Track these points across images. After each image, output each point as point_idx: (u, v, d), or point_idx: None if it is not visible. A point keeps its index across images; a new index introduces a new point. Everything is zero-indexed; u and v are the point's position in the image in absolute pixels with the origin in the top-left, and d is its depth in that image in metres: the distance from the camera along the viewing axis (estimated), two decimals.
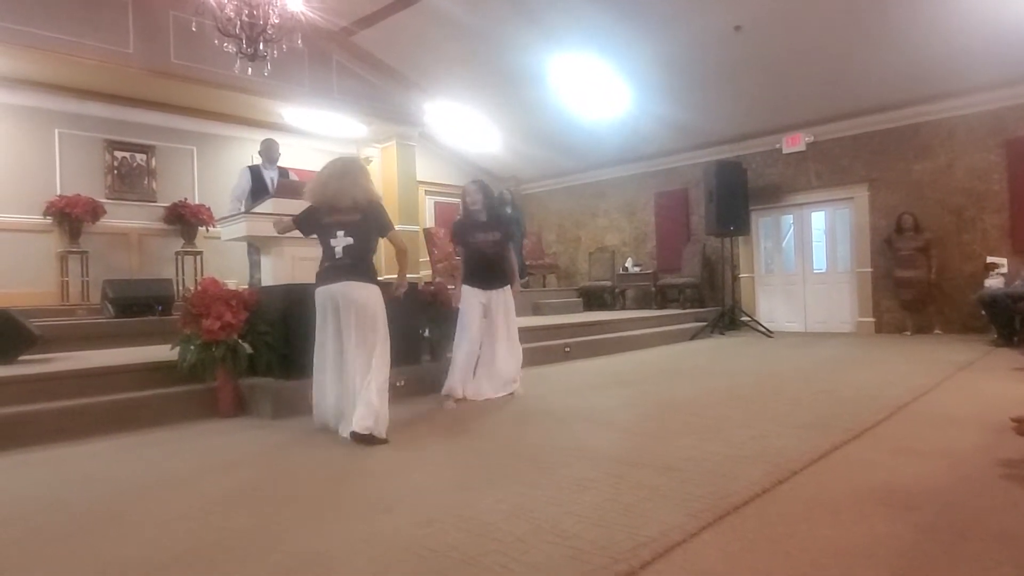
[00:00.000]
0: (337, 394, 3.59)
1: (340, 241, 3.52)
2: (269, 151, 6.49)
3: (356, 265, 3.54)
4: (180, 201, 8.42)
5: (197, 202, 8.55)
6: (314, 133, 9.67)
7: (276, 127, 9.17)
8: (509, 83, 9.31)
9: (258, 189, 6.09)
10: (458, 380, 4.51)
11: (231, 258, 7.11)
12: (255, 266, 5.87)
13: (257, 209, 5.19)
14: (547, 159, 11.69)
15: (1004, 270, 7.26)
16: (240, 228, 5.00)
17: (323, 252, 3.61)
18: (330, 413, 3.63)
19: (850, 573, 1.73)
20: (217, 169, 8.90)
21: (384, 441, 3.31)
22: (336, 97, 9.05)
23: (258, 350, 4.26)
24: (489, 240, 4.64)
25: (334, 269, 3.54)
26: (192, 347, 4.05)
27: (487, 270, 4.67)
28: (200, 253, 8.43)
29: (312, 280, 3.68)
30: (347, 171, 3.57)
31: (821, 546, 1.90)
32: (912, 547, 1.88)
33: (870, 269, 8.79)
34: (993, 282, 7.22)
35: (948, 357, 5.98)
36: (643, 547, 1.87)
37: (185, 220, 8.35)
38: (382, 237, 3.74)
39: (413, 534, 2.06)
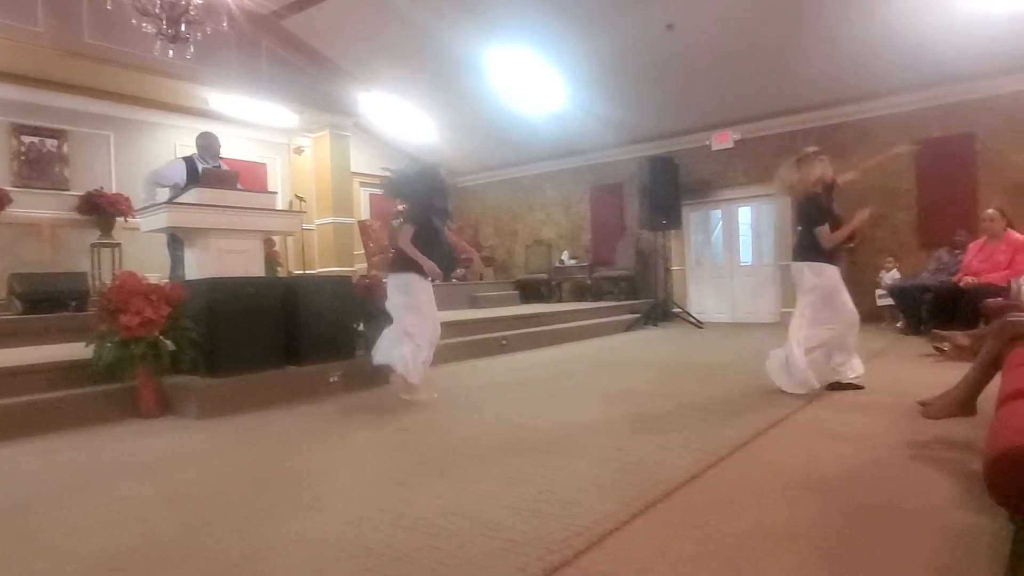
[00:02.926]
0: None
1: None
2: (210, 147, 5.91)
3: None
4: (96, 190, 7.93)
5: (115, 191, 8.08)
6: (243, 121, 9.31)
7: (201, 113, 8.79)
8: (446, 74, 9.22)
9: (191, 184, 5.68)
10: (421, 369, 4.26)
11: (152, 251, 6.76)
12: (178, 262, 5.47)
13: (181, 199, 4.95)
14: (484, 152, 11.67)
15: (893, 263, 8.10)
16: (161, 219, 4.75)
17: None
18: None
19: (773, 554, 1.80)
20: (136, 156, 8.43)
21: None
22: (266, 84, 8.73)
23: (182, 347, 4.09)
24: (444, 225, 4.42)
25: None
26: (109, 344, 3.85)
27: (445, 259, 4.39)
28: (118, 245, 7.98)
29: (241, 273, 3.53)
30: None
31: (746, 529, 1.97)
32: (831, 527, 1.98)
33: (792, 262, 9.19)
34: (887, 277, 7.94)
35: (863, 345, 6.29)
36: (577, 536, 1.90)
37: (101, 210, 7.87)
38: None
39: (347, 533, 2.02)
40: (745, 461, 2.71)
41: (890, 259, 8.12)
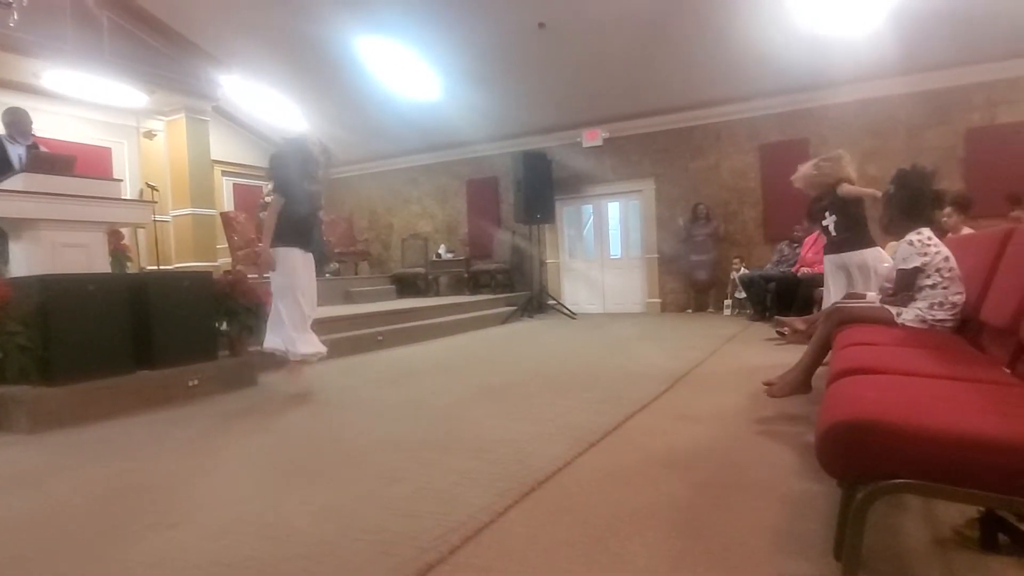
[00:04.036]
0: None
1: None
2: (19, 123, 5.33)
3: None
4: None
5: None
6: (82, 100, 8.39)
7: (31, 89, 7.81)
8: (315, 61, 8.83)
9: (3, 168, 5.02)
10: (299, 340, 4.23)
11: None
12: None
13: (4, 186, 4.37)
14: (357, 143, 11.33)
15: (740, 264, 8.84)
16: None
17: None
18: None
19: (638, 531, 1.90)
20: None
21: None
22: (108, 60, 7.90)
23: (9, 353, 3.61)
24: (318, 192, 4.43)
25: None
26: None
27: (311, 229, 4.43)
28: None
29: (81, 268, 3.20)
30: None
31: (614, 510, 2.07)
32: (690, 502, 2.13)
33: (656, 255, 9.78)
34: (736, 273, 8.67)
35: (717, 332, 6.85)
36: (452, 532, 1.90)
37: None
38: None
39: (205, 549, 1.88)
40: (613, 445, 2.84)
41: (737, 259, 8.86)
